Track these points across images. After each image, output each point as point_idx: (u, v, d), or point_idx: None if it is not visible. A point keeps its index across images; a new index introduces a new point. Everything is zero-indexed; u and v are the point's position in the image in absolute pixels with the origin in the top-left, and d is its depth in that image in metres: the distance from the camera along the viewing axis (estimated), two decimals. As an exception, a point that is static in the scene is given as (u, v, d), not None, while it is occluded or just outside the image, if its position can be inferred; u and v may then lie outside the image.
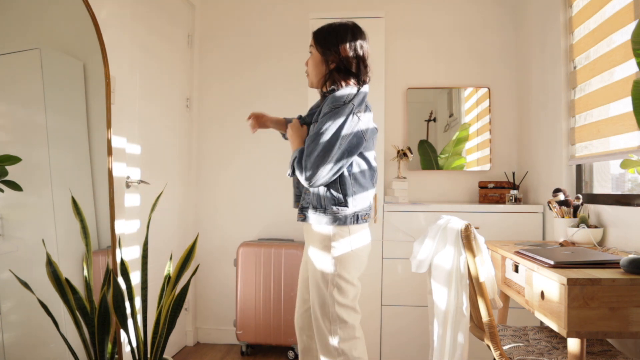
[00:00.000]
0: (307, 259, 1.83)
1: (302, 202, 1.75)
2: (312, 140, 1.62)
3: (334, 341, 1.66)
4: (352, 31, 1.73)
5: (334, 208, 1.67)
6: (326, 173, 1.62)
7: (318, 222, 1.69)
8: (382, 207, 2.70)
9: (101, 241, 2.01)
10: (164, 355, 1.96)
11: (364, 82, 1.73)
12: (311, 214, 1.71)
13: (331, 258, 1.68)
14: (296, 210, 1.82)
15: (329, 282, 1.67)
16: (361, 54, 1.73)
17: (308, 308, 1.84)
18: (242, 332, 2.94)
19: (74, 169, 2.00)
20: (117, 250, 1.94)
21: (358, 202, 1.70)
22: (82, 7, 1.90)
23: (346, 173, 1.69)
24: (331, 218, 1.67)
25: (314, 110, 1.87)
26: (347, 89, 1.66)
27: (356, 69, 1.72)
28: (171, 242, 2.91)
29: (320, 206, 1.68)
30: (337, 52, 1.70)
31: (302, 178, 1.64)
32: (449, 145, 3.07)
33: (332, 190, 1.68)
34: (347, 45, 1.70)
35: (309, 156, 1.61)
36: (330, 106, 1.62)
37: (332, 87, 1.70)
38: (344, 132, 1.61)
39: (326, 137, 1.60)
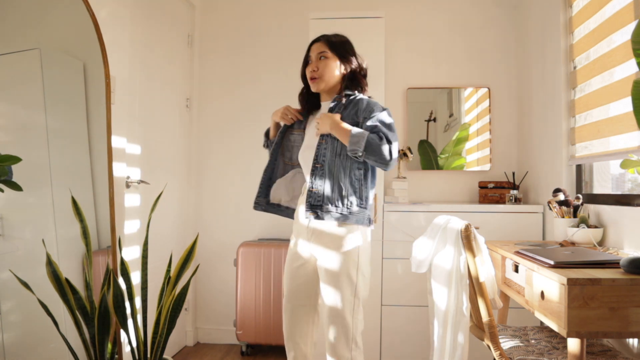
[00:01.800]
0: (302, 262, 1.81)
1: (310, 199, 1.74)
2: (390, 130, 1.71)
3: (355, 336, 1.71)
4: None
5: (356, 207, 1.73)
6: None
7: (337, 219, 1.72)
8: (382, 207, 2.70)
9: (101, 241, 2.01)
10: (164, 355, 1.96)
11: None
12: (330, 210, 1.72)
13: (356, 248, 1.73)
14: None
15: (354, 277, 1.71)
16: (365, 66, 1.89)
17: (306, 313, 1.82)
18: (242, 332, 2.94)
19: (74, 169, 2.00)
20: (117, 250, 1.94)
21: (371, 203, 1.80)
22: (82, 7, 1.90)
23: (370, 170, 1.78)
24: (350, 217, 1.72)
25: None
26: (373, 99, 1.83)
27: (364, 79, 1.87)
28: (171, 242, 2.91)
29: (342, 203, 1.73)
30: (356, 60, 1.84)
31: (384, 162, 1.67)
32: (449, 145, 3.07)
33: (355, 187, 1.74)
34: (359, 57, 1.87)
35: (392, 143, 1.67)
36: (378, 107, 1.76)
37: (356, 90, 1.83)
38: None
39: (395, 130, 1.73)
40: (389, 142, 1.66)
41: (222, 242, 3.22)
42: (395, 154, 1.67)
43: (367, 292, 1.76)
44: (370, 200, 1.79)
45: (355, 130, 1.68)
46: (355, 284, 1.72)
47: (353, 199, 1.73)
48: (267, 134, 2.03)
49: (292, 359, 1.84)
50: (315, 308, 1.84)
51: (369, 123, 1.71)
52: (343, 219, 1.72)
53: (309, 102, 1.93)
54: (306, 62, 1.88)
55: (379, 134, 1.67)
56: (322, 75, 1.81)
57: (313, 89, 1.85)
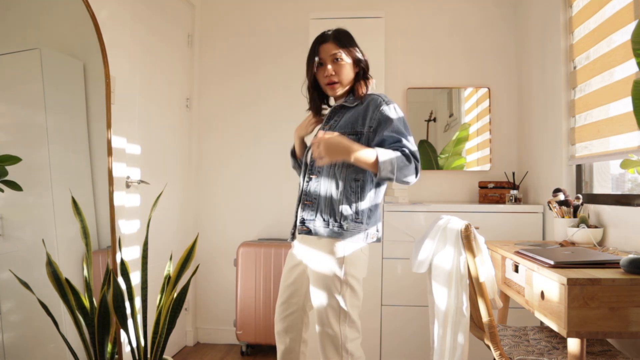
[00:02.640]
0: (296, 263, 1.79)
1: (302, 213, 1.71)
2: (409, 140, 1.63)
3: (344, 343, 1.65)
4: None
5: (351, 223, 1.65)
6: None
7: (329, 236, 1.66)
8: (382, 207, 2.70)
9: (101, 241, 2.01)
10: (164, 355, 1.96)
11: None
12: (319, 226, 1.67)
13: (342, 258, 1.65)
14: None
15: (342, 284, 1.64)
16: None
17: (294, 311, 1.80)
18: (242, 332, 2.94)
19: (74, 169, 2.00)
20: (117, 250, 1.94)
21: (372, 219, 1.70)
22: (82, 7, 1.90)
23: (370, 182, 1.69)
24: (345, 234, 1.65)
25: (341, 114, 1.79)
26: (377, 92, 1.78)
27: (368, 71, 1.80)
28: (171, 242, 2.91)
29: (335, 219, 1.65)
30: (362, 55, 1.77)
31: (409, 182, 1.61)
32: (449, 145, 3.07)
33: (351, 200, 1.66)
34: (361, 50, 1.78)
35: (418, 161, 1.61)
36: (391, 111, 1.67)
37: (365, 87, 1.76)
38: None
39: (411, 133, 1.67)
40: (416, 159, 1.59)
41: (222, 242, 3.22)
42: (419, 171, 1.62)
43: (357, 302, 1.68)
44: (372, 215, 1.70)
45: (381, 156, 1.55)
46: (340, 293, 1.65)
47: (347, 214, 1.65)
48: (293, 153, 1.92)
49: (280, 353, 1.84)
50: (304, 309, 1.82)
51: (386, 133, 1.63)
52: (334, 236, 1.65)
53: (318, 103, 1.86)
54: (312, 63, 1.76)
55: (404, 151, 1.58)
56: (342, 80, 1.73)
57: (330, 93, 1.78)
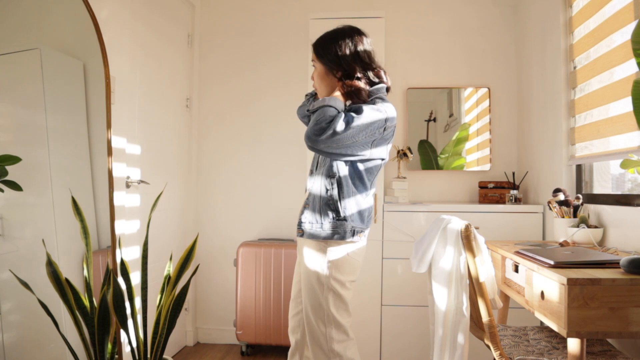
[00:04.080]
0: (300, 260, 1.82)
1: (301, 215, 1.73)
2: (348, 116, 1.56)
3: (328, 344, 1.66)
4: (348, 32, 1.69)
5: (327, 224, 1.66)
6: (334, 148, 1.56)
7: (308, 237, 1.69)
8: (382, 207, 2.70)
9: (101, 241, 2.01)
10: (164, 355, 1.96)
11: (376, 81, 1.71)
12: (307, 228, 1.69)
13: (326, 261, 1.66)
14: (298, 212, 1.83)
15: (325, 285, 1.66)
16: (360, 49, 1.67)
17: (300, 310, 1.82)
18: (242, 332, 2.94)
19: (74, 169, 2.00)
20: (117, 250, 1.94)
21: (353, 212, 1.68)
22: (82, 7, 1.90)
23: (345, 172, 1.66)
24: (321, 233, 1.66)
25: None
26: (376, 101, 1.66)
27: (362, 70, 1.68)
28: (171, 242, 2.91)
29: (316, 219, 1.68)
30: (338, 58, 1.66)
31: (307, 131, 1.57)
32: (449, 145, 3.07)
33: (327, 198, 1.66)
34: (343, 45, 1.66)
35: (331, 124, 1.53)
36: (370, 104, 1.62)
37: (356, 99, 1.66)
38: (368, 120, 1.58)
39: (354, 125, 1.55)
40: (330, 124, 1.52)
41: (222, 242, 3.22)
42: (323, 135, 1.52)
43: (343, 304, 1.68)
44: (351, 209, 1.67)
45: (332, 97, 1.60)
46: (323, 295, 1.66)
47: (327, 213, 1.66)
48: None
49: (290, 349, 1.87)
50: None
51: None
52: (312, 238, 1.69)
53: None
54: None
55: (340, 115, 1.55)
56: (316, 87, 1.77)
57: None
